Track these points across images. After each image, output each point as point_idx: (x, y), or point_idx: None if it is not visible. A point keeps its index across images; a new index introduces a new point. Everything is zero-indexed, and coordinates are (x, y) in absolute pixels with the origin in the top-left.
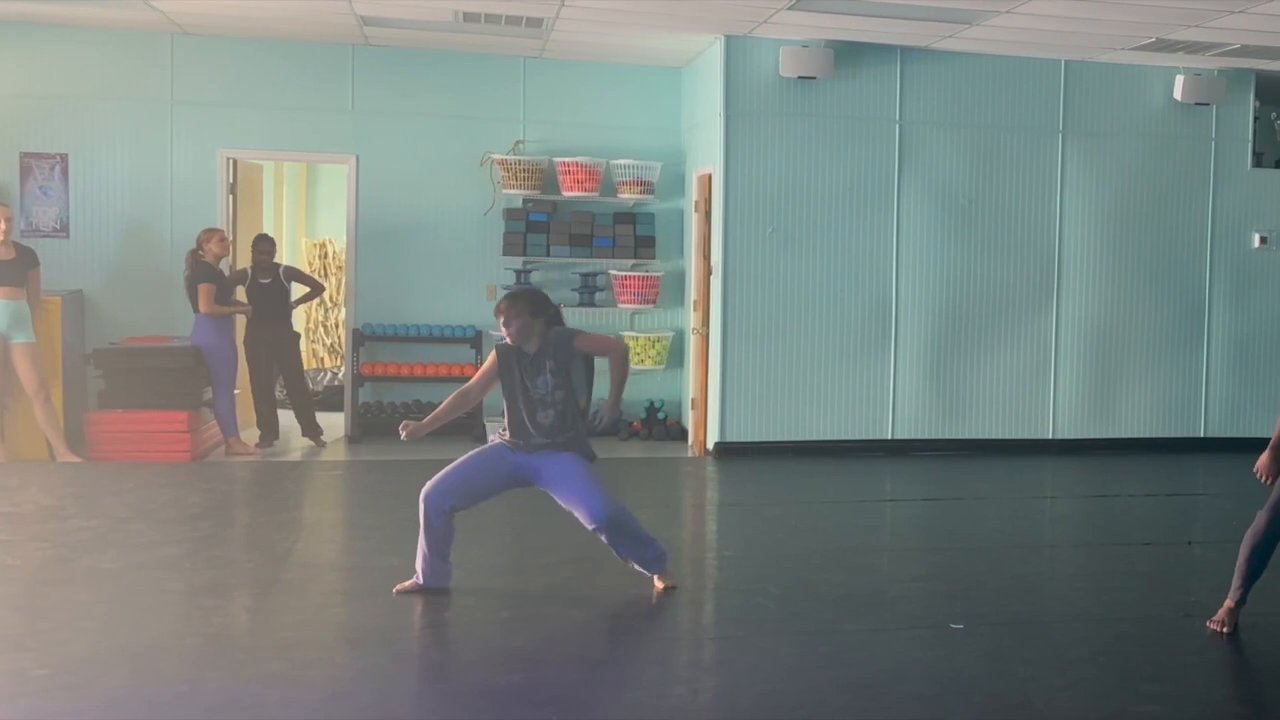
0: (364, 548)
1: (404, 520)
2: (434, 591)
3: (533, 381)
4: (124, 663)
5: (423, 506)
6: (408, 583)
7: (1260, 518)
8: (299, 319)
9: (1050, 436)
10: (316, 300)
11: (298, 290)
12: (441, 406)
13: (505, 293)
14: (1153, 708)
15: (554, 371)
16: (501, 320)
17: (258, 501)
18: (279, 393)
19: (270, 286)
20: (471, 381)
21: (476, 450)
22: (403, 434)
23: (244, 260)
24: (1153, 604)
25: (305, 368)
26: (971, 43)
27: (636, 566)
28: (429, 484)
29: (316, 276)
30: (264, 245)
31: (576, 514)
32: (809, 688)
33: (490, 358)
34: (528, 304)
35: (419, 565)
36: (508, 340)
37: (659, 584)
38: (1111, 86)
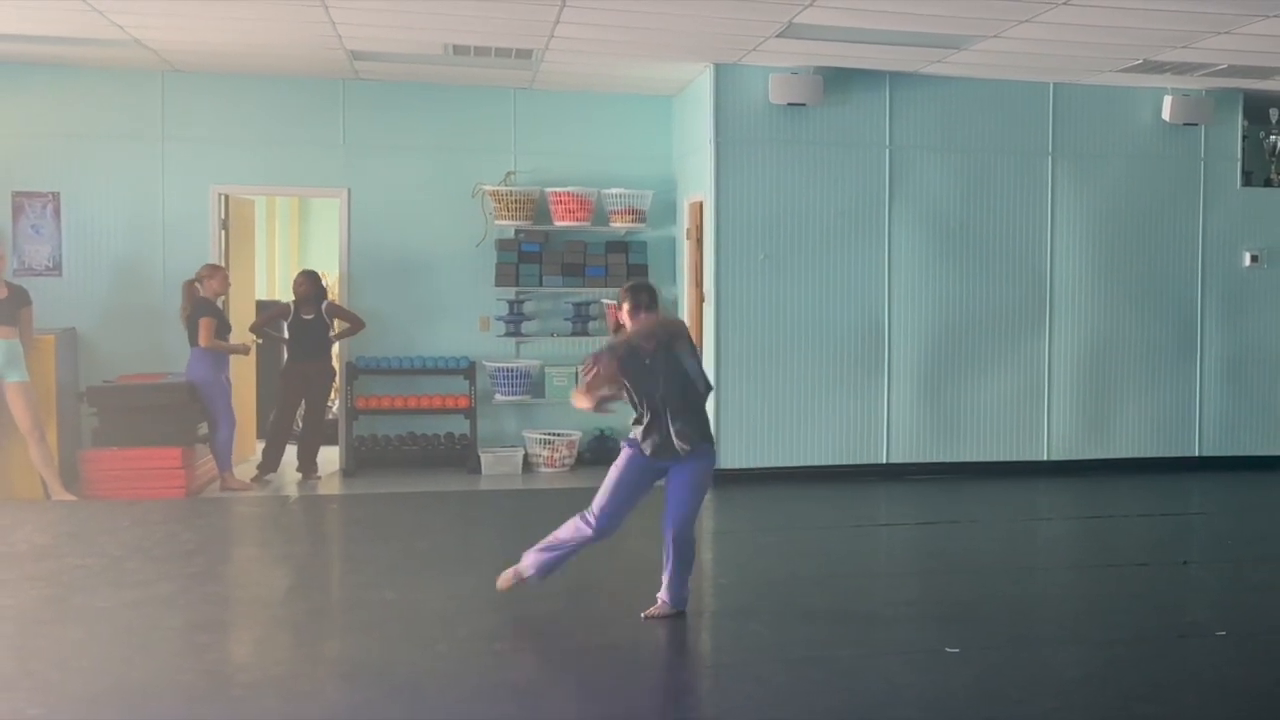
0: (358, 582)
1: (398, 553)
2: (426, 623)
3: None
4: (119, 701)
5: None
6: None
7: None
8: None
9: (1044, 458)
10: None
11: (338, 326)
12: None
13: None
14: None
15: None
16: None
17: (252, 537)
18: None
19: (313, 322)
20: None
21: (623, 470)
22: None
23: (237, 295)
24: (1147, 625)
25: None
26: (960, 67)
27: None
28: (603, 516)
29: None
30: (302, 280)
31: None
32: (804, 714)
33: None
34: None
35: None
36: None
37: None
38: (1100, 108)
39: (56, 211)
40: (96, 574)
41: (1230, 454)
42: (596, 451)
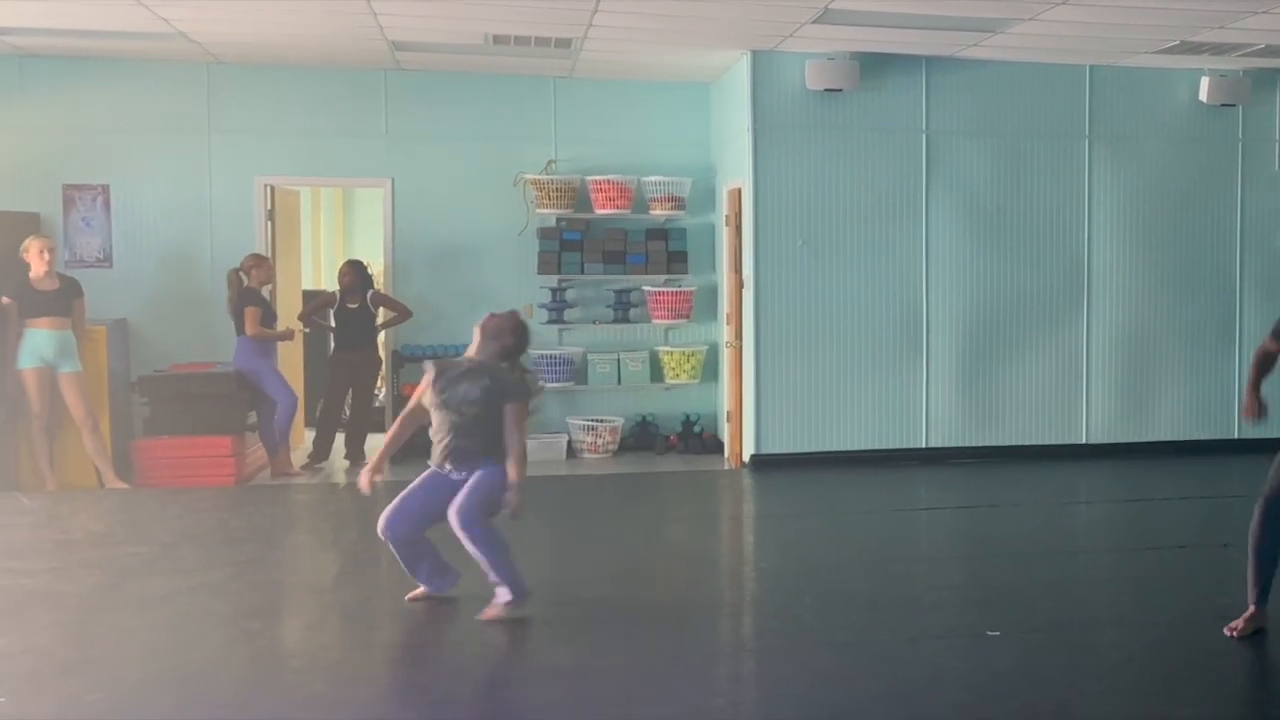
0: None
1: (445, 539)
2: (474, 608)
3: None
4: (173, 686)
5: (386, 539)
6: (416, 591)
7: (1256, 512)
8: None
9: (1083, 441)
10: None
11: (384, 315)
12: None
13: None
14: (1190, 711)
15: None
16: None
17: (302, 524)
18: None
19: (358, 311)
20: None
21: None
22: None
23: (283, 284)
24: (1189, 607)
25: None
26: (996, 50)
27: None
28: (384, 517)
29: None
30: (347, 270)
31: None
32: (847, 698)
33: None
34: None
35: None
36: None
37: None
38: (1137, 90)
39: (106, 204)
40: (150, 561)
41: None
42: (639, 438)
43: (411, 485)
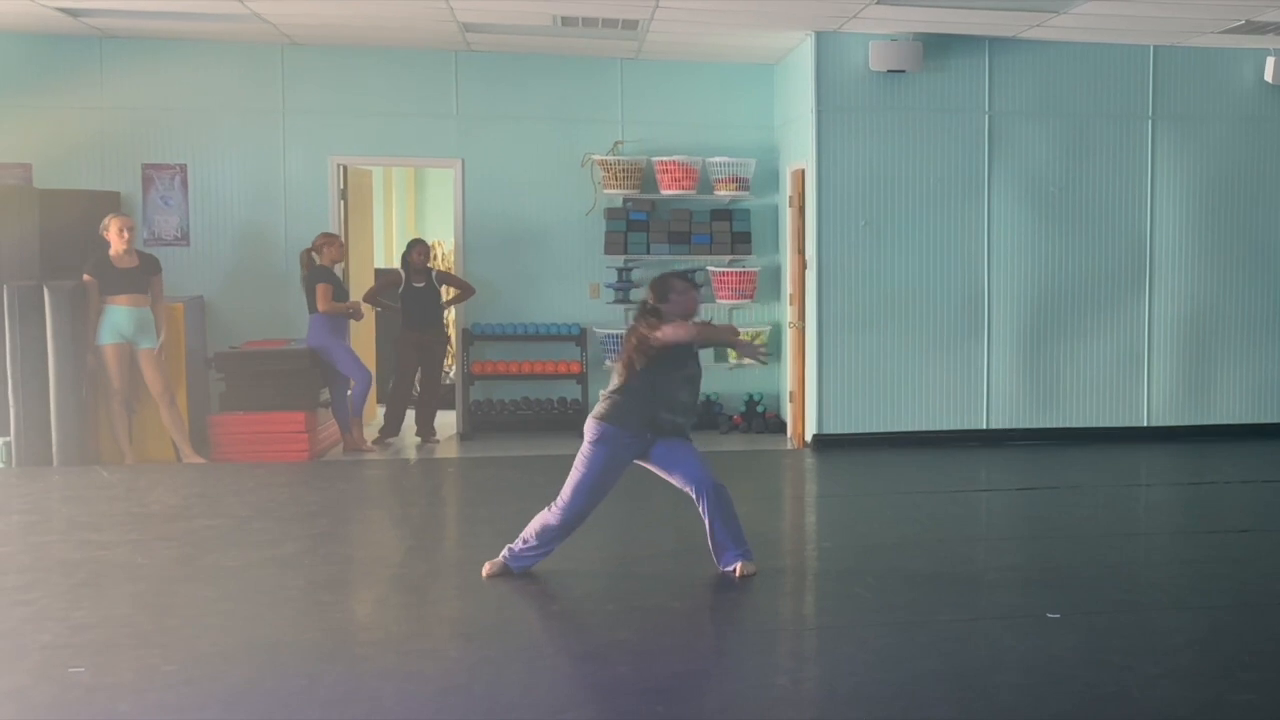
0: (477, 543)
1: (515, 515)
2: (541, 584)
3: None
4: (247, 658)
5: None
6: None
7: None
8: None
9: (1145, 424)
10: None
11: (448, 293)
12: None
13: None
14: (1249, 696)
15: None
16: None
17: (373, 499)
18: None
19: (424, 290)
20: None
21: (599, 465)
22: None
23: (356, 263)
24: (1249, 592)
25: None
26: (1059, 31)
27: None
28: (569, 510)
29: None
30: (419, 249)
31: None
32: (907, 677)
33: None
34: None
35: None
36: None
37: (739, 571)
38: (1201, 70)
39: (184, 183)
40: (225, 534)
41: None
42: (703, 417)
43: (604, 461)
